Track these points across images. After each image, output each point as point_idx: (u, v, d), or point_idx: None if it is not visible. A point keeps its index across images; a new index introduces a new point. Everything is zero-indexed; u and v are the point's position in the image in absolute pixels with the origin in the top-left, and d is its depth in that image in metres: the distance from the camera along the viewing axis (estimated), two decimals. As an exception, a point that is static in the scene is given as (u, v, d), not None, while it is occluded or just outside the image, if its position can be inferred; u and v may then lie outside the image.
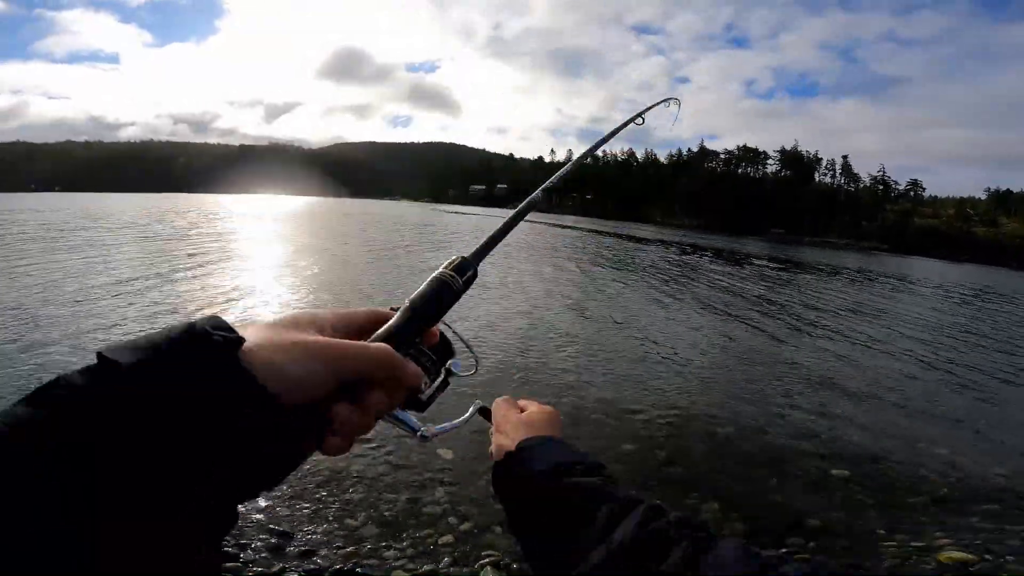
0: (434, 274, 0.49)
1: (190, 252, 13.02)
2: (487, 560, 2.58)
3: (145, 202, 49.52)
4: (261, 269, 11.19)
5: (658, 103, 0.89)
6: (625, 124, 0.86)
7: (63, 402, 0.28)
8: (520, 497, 0.63)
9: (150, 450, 0.28)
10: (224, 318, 0.36)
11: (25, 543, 0.24)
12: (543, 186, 0.68)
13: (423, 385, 0.46)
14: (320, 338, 0.38)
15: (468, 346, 0.53)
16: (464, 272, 0.50)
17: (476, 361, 0.54)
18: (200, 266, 10.79)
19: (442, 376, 0.49)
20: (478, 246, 0.54)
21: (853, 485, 3.57)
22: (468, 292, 0.51)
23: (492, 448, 0.73)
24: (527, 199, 0.65)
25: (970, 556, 2.87)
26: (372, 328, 0.45)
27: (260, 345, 0.35)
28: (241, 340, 0.35)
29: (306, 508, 2.88)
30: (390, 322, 0.46)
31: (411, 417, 0.48)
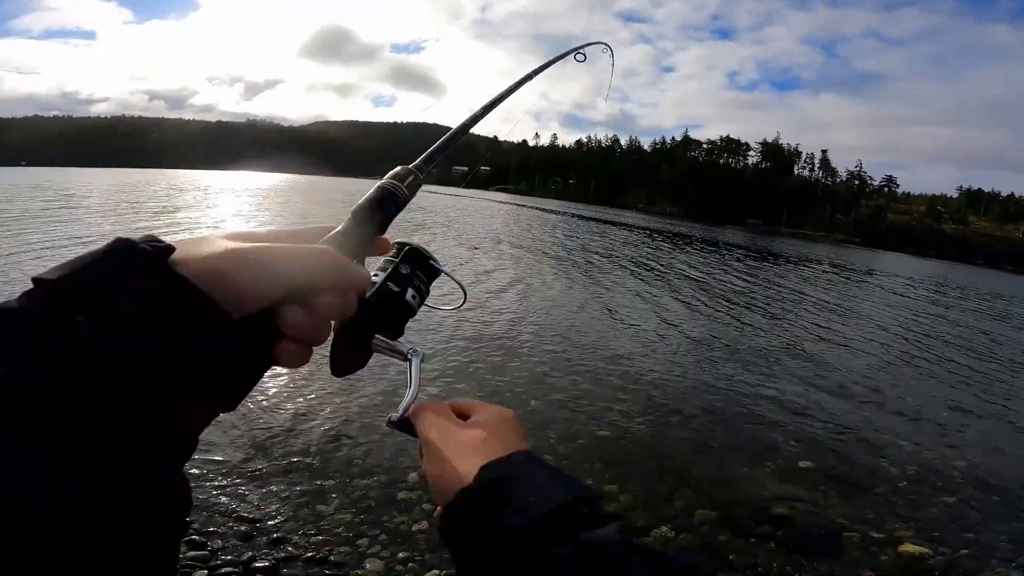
0: (378, 183, 0.48)
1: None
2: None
3: (114, 177, 48.04)
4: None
5: (593, 43, 0.88)
6: (562, 56, 0.83)
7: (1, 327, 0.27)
8: (490, 567, 0.39)
9: (94, 369, 0.27)
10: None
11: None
12: (486, 105, 0.64)
13: (410, 298, 0.48)
14: (259, 244, 0.36)
15: (451, 276, 0.53)
16: (405, 179, 0.48)
17: (464, 291, 0.53)
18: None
19: (411, 286, 0.49)
20: (423, 156, 0.52)
21: (818, 476, 3.67)
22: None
23: (426, 476, 0.48)
24: (466, 119, 0.61)
25: (926, 550, 2.98)
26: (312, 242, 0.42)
27: (194, 255, 0.33)
28: (171, 248, 0.33)
29: (277, 494, 2.84)
30: (333, 231, 0.43)
31: (396, 341, 0.48)
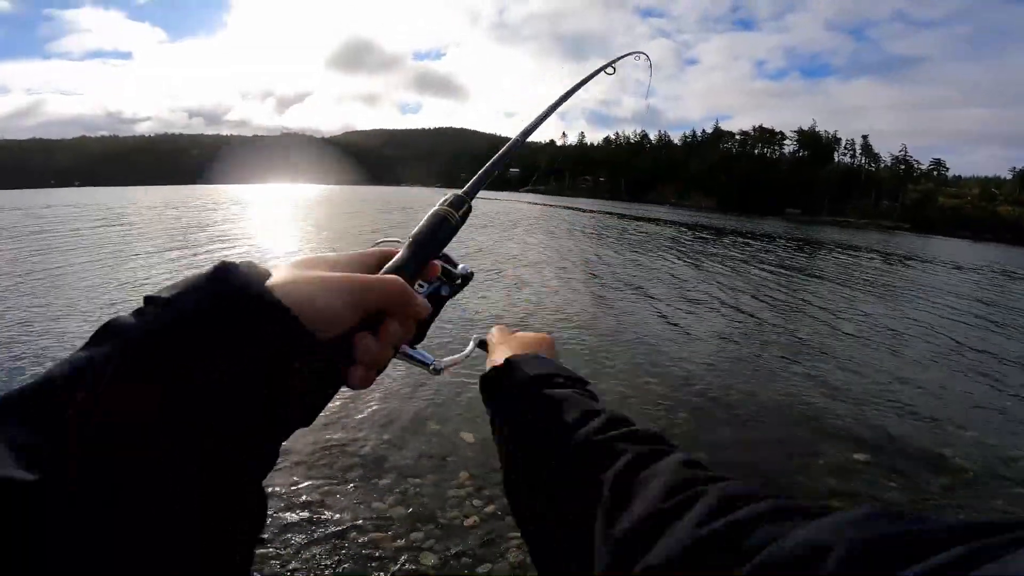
0: (432, 209, 0.51)
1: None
2: (513, 541, 2.63)
3: (165, 195, 50.10)
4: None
5: (626, 55, 0.87)
6: (594, 75, 0.81)
7: (124, 339, 0.30)
8: (500, 408, 0.61)
9: (206, 382, 0.30)
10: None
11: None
12: (518, 136, 0.66)
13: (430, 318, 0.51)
14: (343, 273, 0.40)
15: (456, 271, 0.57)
16: (460, 207, 0.52)
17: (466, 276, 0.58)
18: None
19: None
20: (471, 182, 0.56)
21: (876, 468, 3.56)
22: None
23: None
24: (507, 145, 0.64)
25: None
26: (380, 265, 0.46)
27: (287, 280, 0.36)
28: (268, 273, 0.37)
29: (335, 491, 2.95)
30: (396, 257, 0.47)
31: (423, 352, 0.53)
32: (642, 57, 0.91)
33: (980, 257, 31.81)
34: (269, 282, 0.35)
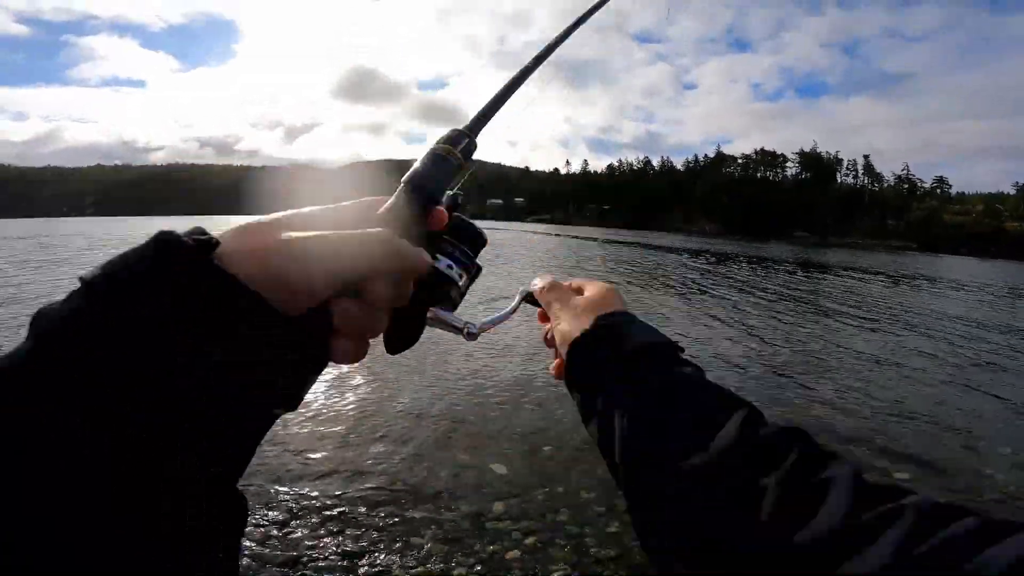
0: (428, 149, 0.44)
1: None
2: (558, 575, 2.58)
3: (185, 225, 50.62)
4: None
5: None
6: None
7: (44, 329, 0.26)
8: (601, 384, 0.51)
9: (133, 374, 0.26)
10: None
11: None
12: (551, 43, 0.59)
13: (458, 278, 0.45)
14: (311, 232, 0.33)
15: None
16: (458, 143, 0.44)
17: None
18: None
19: (468, 262, 0.46)
20: (473, 116, 0.48)
21: (917, 485, 3.49)
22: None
23: (550, 335, 0.62)
24: (531, 59, 0.57)
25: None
26: (367, 219, 0.39)
27: (245, 249, 0.31)
28: (215, 242, 0.31)
29: (370, 528, 2.91)
30: (384, 206, 0.40)
31: (452, 315, 0.46)
32: None
33: (988, 274, 31.60)
34: (220, 250, 0.30)
